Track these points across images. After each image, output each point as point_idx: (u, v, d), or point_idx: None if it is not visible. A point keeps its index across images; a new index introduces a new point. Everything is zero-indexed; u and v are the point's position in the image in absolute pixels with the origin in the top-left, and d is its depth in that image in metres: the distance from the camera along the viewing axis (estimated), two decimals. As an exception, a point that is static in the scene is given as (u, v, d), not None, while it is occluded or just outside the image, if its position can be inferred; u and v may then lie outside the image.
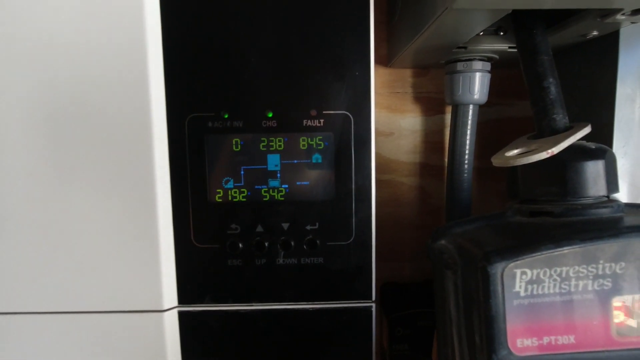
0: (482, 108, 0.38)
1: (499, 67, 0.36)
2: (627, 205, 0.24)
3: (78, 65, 0.25)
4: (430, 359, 0.31)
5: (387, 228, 0.42)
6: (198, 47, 0.26)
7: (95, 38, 0.25)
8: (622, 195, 0.30)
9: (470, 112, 0.36)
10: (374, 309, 0.27)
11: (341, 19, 0.25)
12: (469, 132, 0.37)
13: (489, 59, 0.35)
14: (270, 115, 0.26)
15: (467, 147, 0.37)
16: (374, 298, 0.27)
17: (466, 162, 0.37)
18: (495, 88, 0.37)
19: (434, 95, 0.41)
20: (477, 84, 0.35)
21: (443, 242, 0.26)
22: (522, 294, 0.20)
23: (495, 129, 0.42)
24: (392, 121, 0.42)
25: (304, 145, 0.26)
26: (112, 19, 0.25)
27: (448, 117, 0.41)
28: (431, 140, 0.42)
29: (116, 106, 0.25)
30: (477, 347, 0.21)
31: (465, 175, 0.37)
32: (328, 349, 0.27)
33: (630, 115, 0.29)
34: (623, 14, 0.23)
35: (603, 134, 0.30)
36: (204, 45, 0.26)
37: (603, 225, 0.21)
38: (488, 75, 0.35)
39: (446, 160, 0.41)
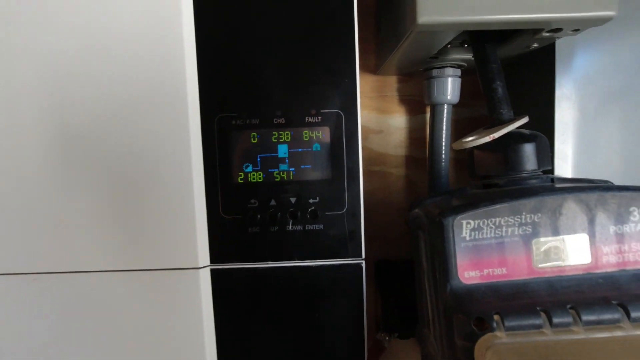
0: (458, 108, 0.43)
1: (470, 74, 0.41)
2: (558, 178, 0.31)
3: (128, 77, 0.30)
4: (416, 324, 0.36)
5: (379, 213, 0.47)
6: (226, 61, 0.31)
7: (139, 51, 0.30)
8: (567, 174, 0.37)
9: (445, 111, 0.41)
10: (363, 265, 0.33)
11: (333, 39, 0.31)
12: (444, 127, 0.42)
13: (459, 66, 0.41)
14: (279, 114, 0.32)
15: (444, 140, 0.42)
16: (363, 256, 0.32)
17: (443, 153, 0.42)
18: (469, 91, 0.42)
19: (416, 98, 0.47)
20: (449, 87, 0.41)
21: (417, 210, 0.33)
22: (468, 238, 0.26)
23: (470, 126, 0.46)
24: (381, 121, 0.47)
25: (306, 137, 0.31)
26: (152, 35, 0.29)
27: (428, 116, 0.47)
28: (415, 137, 0.47)
29: (161, 109, 0.30)
30: (438, 282, 0.28)
31: (443, 164, 0.42)
32: (328, 298, 0.32)
33: (566, 110, 0.35)
34: (546, 32, 0.30)
35: (546, 126, 0.36)
36: (230, 60, 0.31)
37: (529, 190, 0.28)
38: (459, 80, 0.41)
39: (427, 152, 0.46)
